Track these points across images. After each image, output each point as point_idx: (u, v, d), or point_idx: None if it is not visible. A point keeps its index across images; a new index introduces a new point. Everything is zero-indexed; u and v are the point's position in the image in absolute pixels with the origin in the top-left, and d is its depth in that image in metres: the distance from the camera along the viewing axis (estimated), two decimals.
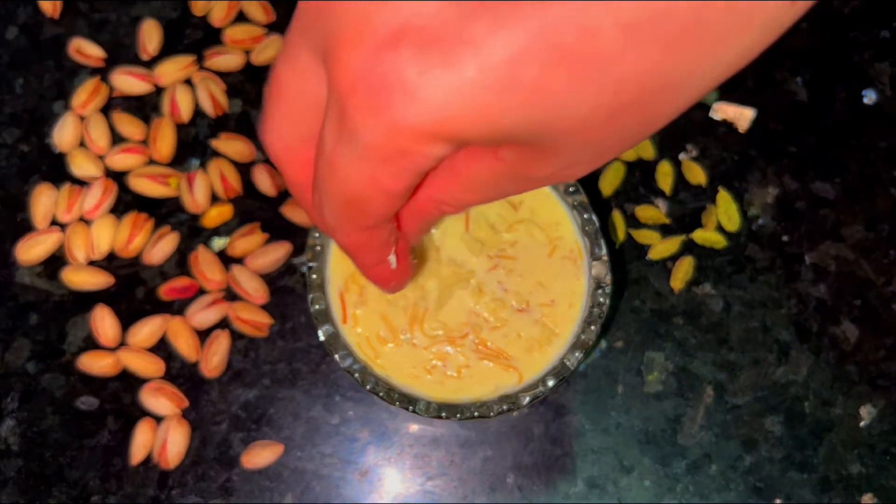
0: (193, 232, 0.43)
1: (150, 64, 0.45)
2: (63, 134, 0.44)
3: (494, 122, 0.19)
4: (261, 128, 0.25)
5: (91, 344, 0.42)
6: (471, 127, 0.19)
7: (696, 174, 0.44)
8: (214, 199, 0.44)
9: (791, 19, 0.19)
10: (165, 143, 0.44)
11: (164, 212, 0.43)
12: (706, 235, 0.43)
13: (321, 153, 0.22)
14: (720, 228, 0.43)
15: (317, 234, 0.37)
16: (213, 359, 0.41)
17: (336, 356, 0.35)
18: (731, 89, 0.45)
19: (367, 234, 0.24)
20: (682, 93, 0.20)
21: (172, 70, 0.45)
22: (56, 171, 0.44)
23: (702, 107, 0.45)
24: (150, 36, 0.45)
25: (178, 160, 0.44)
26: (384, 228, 0.25)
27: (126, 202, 0.43)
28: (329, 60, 0.20)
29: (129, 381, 0.41)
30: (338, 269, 0.37)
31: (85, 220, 0.43)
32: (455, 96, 0.19)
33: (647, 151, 0.44)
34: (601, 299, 0.36)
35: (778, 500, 0.40)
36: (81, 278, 0.42)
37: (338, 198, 0.23)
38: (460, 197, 0.24)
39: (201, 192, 0.43)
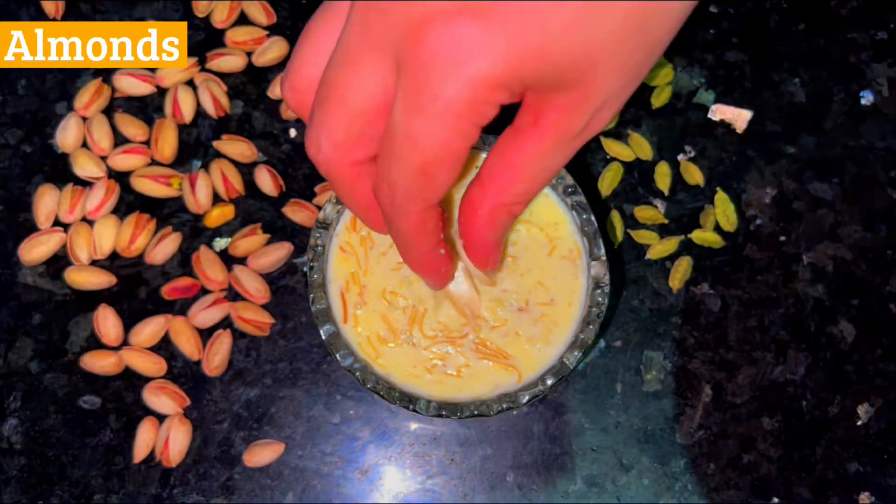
0: (195, 232, 0.43)
1: None
2: (66, 135, 0.44)
3: (543, 57, 0.24)
4: (311, 132, 0.27)
5: (93, 343, 0.42)
6: (527, 66, 0.24)
7: (694, 175, 0.44)
8: (216, 199, 0.44)
9: None
10: (167, 143, 0.44)
11: (166, 212, 0.44)
12: (704, 235, 0.43)
13: (394, 133, 0.25)
14: (718, 228, 0.44)
15: (318, 234, 0.37)
16: (215, 358, 0.41)
17: (337, 355, 0.36)
18: (728, 90, 0.46)
19: (428, 213, 0.28)
20: (671, 15, 0.25)
21: (174, 71, 0.45)
22: (59, 171, 0.44)
23: (700, 108, 0.45)
24: None
25: (180, 161, 0.44)
26: (438, 209, 0.29)
27: (128, 202, 0.44)
28: (404, 45, 0.24)
29: (131, 381, 0.41)
30: (339, 268, 0.37)
31: (87, 221, 0.43)
32: (512, 46, 0.23)
33: (646, 152, 0.45)
34: (600, 299, 0.36)
35: (776, 499, 0.41)
36: (84, 278, 0.42)
37: (412, 169, 0.26)
38: (521, 187, 0.28)
39: (203, 192, 0.43)
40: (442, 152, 0.25)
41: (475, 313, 0.37)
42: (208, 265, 0.42)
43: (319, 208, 0.42)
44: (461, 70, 0.24)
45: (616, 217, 0.44)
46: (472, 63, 0.23)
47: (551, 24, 0.23)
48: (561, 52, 0.24)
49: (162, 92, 0.45)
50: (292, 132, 0.45)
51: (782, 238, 0.44)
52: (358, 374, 0.35)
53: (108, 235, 0.43)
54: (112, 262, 0.43)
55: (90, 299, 0.42)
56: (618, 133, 0.45)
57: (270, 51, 0.45)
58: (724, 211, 0.44)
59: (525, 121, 0.26)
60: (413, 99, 0.25)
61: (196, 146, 0.45)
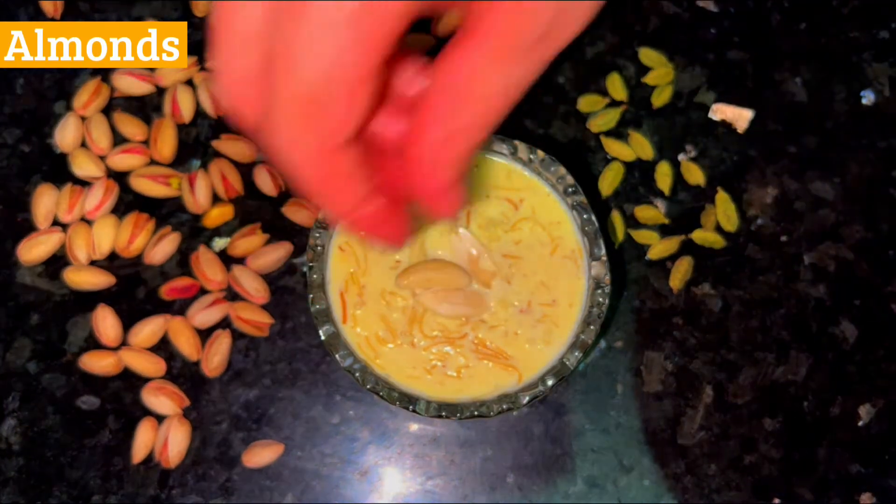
0: (194, 232, 0.43)
1: None
2: (64, 134, 0.44)
3: None
4: (214, 73, 0.24)
5: (92, 344, 0.42)
6: None
7: (695, 174, 0.44)
8: (215, 199, 0.44)
9: None
10: (166, 143, 0.44)
11: (165, 212, 0.44)
12: (705, 235, 0.43)
13: (277, 55, 0.21)
14: (719, 228, 0.44)
15: (317, 234, 0.37)
16: (214, 358, 0.41)
17: (336, 356, 0.36)
18: (729, 90, 0.45)
19: (331, 157, 0.23)
20: None
21: (173, 71, 0.45)
22: (57, 171, 0.44)
23: (701, 107, 0.45)
24: None
25: (180, 160, 0.44)
26: (349, 153, 0.23)
27: (127, 202, 0.44)
28: None
29: (130, 381, 0.41)
30: (338, 269, 0.37)
31: (86, 221, 0.43)
32: None
33: (647, 152, 0.44)
34: (600, 299, 0.36)
35: (777, 500, 0.40)
36: (83, 278, 0.42)
37: (298, 99, 0.21)
38: (474, 109, 0.22)
39: (202, 192, 0.43)
40: (332, 74, 0.20)
41: (485, 279, 0.35)
42: (207, 265, 0.42)
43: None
44: None
45: (617, 217, 0.44)
46: None
47: None
48: None
49: (161, 91, 0.45)
50: None
51: (784, 238, 0.44)
52: (357, 374, 0.35)
53: (107, 235, 0.43)
54: (111, 262, 0.43)
55: (89, 299, 0.42)
56: (618, 133, 0.45)
57: None
58: (724, 211, 0.44)
59: (466, 27, 0.21)
60: (292, 13, 0.20)
61: (195, 146, 0.45)
